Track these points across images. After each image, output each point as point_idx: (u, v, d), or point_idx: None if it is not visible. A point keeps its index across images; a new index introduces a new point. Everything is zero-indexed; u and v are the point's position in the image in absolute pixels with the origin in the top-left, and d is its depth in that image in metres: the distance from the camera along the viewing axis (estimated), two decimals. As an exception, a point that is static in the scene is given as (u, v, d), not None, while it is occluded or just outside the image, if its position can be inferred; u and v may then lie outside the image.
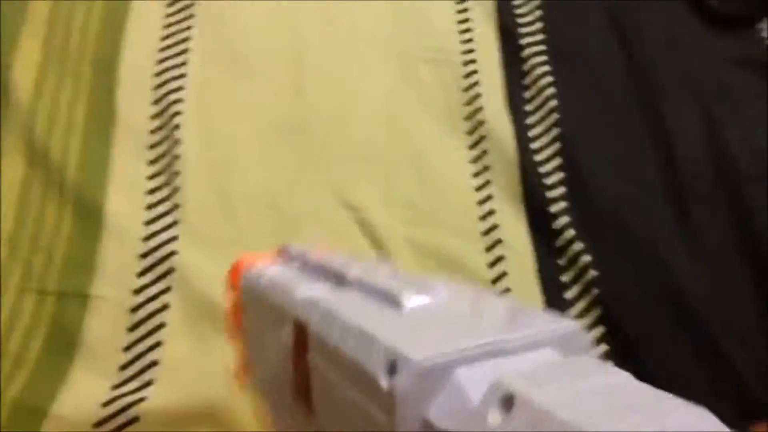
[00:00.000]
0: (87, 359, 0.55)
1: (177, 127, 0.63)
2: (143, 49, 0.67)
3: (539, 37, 0.72)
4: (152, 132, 0.64)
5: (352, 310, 0.25)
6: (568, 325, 0.21)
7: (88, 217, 0.59)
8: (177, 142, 0.62)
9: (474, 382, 0.19)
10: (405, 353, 0.20)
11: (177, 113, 0.64)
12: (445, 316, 0.23)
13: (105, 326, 0.56)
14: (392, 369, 0.20)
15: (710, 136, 0.68)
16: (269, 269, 0.35)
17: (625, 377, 0.18)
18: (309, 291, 0.29)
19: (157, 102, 0.65)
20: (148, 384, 0.54)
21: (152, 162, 0.62)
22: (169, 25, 0.68)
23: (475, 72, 0.70)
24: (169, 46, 0.67)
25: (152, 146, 0.63)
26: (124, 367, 0.55)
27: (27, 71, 0.64)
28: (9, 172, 0.60)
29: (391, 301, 0.24)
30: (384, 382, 0.20)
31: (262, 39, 0.69)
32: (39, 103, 0.63)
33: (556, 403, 0.16)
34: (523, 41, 0.72)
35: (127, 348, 0.55)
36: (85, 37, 0.66)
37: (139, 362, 0.55)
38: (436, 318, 0.23)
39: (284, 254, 0.36)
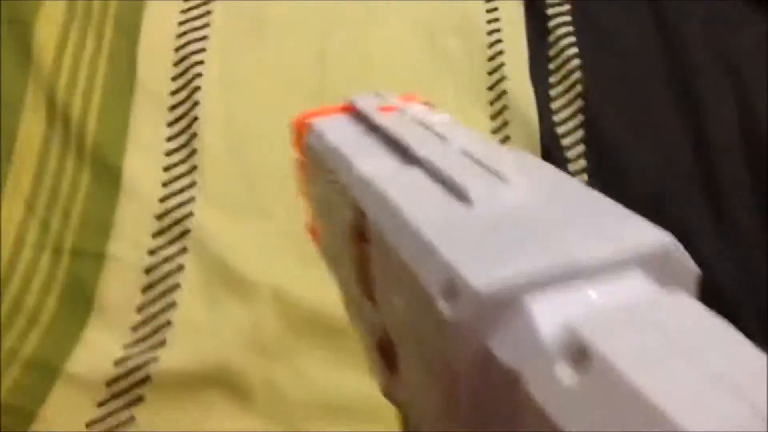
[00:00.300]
0: (101, 318, 0.55)
1: (197, 89, 0.63)
2: (166, 10, 0.67)
3: (566, 7, 0.71)
4: (172, 93, 0.63)
5: (413, 200, 0.22)
6: (663, 239, 0.17)
7: (106, 176, 0.59)
8: (196, 104, 0.62)
9: (545, 313, 0.16)
10: (465, 276, 0.17)
11: (198, 75, 0.63)
12: (518, 218, 0.20)
13: (119, 286, 0.56)
14: (451, 291, 0.18)
15: (744, 113, 0.66)
16: (332, 130, 0.31)
17: (737, 336, 0.15)
18: (368, 166, 0.25)
19: (177, 64, 0.64)
20: (160, 344, 0.54)
21: (171, 123, 0.62)
22: (193, -14, 0.68)
23: (499, 41, 0.68)
24: (191, 8, 0.67)
25: (172, 108, 0.63)
26: (137, 327, 0.55)
27: (50, 29, 0.64)
28: (30, 128, 0.60)
29: (458, 193, 0.21)
30: (441, 307, 0.18)
31: (287, 4, 0.68)
32: (61, 61, 0.63)
33: (644, 372, 0.14)
34: (550, 11, 0.70)
35: (141, 308, 0.55)
36: (107, -4, 0.66)
37: (152, 323, 0.55)
38: (506, 219, 0.20)
39: (352, 110, 0.33)
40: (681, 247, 0.17)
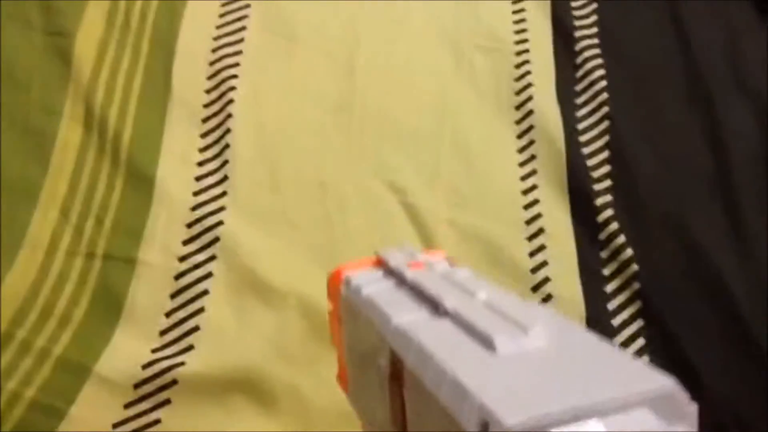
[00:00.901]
0: (130, 322, 0.56)
1: (230, 102, 0.64)
2: (201, 25, 0.68)
3: (593, 30, 0.72)
4: (205, 106, 0.65)
5: (446, 349, 0.25)
6: (666, 383, 0.20)
7: (140, 184, 0.61)
8: (229, 116, 0.64)
9: None
10: (498, 416, 0.20)
11: (231, 88, 0.65)
12: (539, 364, 0.23)
13: (149, 291, 0.57)
14: (485, 430, 0.20)
15: (765, 134, 0.66)
16: (367, 285, 0.34)
17: None
18: (404, 318, 0.28)
19: (212, 77, 0.66)
20: (187, 349, 0.55)
21: (204, 135, 0.64)
22: (228, 3, 0.70)
23: (527, 62, 0.69)
24: (226, 24, 0.69)
25: (205, 120, 0.64)
26: (165, 331, 0.56)
27: (90, 42, 0.66)
28: (68, 136, 0.62)
29: (485, 342, 0.24)
30: None
31: (318, 19, 0.70)
32: (99, 72, 0.64)
33: None
34: (577, 34, 0.72)
35: (170, 313, 0.56)
36: (145, 12, 0.68)
37: (180, 327, 0.56)
38: (529, 365, 0.23)
39: (383, 264, 0.36)
40: (681, 389, 0.19)
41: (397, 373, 0.27)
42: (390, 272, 0.34)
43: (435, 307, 0.28)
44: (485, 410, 0.20)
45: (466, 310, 0.26)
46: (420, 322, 0.28)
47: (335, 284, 0.37)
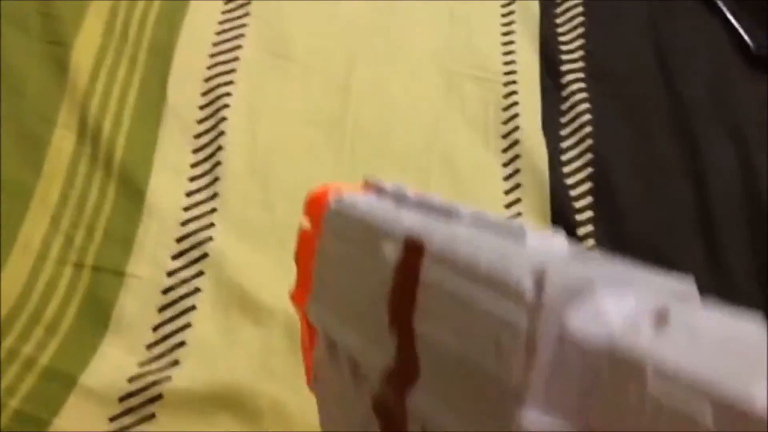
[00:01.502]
0: (117, 334, 0.57)
1: (223, 119, 0.65)
2: (198, 41, 0.69)
3: (580, 64, 0.74)
4: (199, 122, 0.66)
5: (474, 237, 0.25)
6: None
7: (131, 197, 0.61)
8: (222, 133, 0.64)
9: (614, 301, 0.20)
10: (553, 265, 0.21)
11: (225, 106, 0.66)
12: (571, 255, 0.24)
13: (137, 304, 0.58)
14: (539, 279, 0.21)
15: (745, 172, 0.69)
16: (363, 201, 0.34)
17: None
18: (416, 219, 0.28)
19: (206, 93, 0.67)
20: (174, 364, 0.56)
21: (196, 150, 0.64)
22: (225, 21, 0.71)
23: (515, 92, 0.71)
24: (223, 41, 0.70)
25: (197, 135, 0.65)
26: (151, 345, 0.56)
27: (87, 52, 0.66)
28: (61, 144, 0.62)
29: (515, 235, 0.24)
30: (531, 292, 0.21)
31: (314, 40, 0.71)
32: (95, 82, 0.65)
33: (715, 324, 0.18)
34: (564, 67, 0.74)
35: (157, 327, 0.57)
36: (144, 24, 0.69)
37: (166, 342, 0.56)
38: (562, 255, 0.24)
39: (373, 188, 0.35)
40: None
41: (410, 256, 0.27)
42: (383, 193, 0.34)
43: (448, 215, 0.28)
44: (538, 263, 0.21)
45: (483, 215, 0.27)
46: (435, 222, 0.28)
47: (319, 203, 0.37)
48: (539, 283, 0.21)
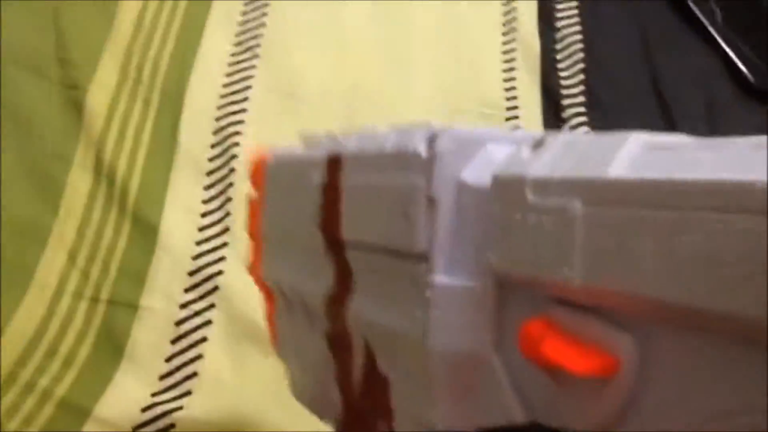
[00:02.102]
0: (131, 366, 0.58)
1: (234, 156, 0.67)
2: (209, 82, 0.72)
3: (580, 99, 0.76)
4: (210, 159, 0.68)
5: (383, 134, 0.28)
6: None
7: (144, 233, 0.63)
8: (233, 170, 0.66)
9: (501, 149, 0.22)
10: (444, 129, 0.22)
11: (235, 144, 0.68)
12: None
13: (150, 336, 0.59)
14: (431, 140, 0.22)
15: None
16: (297, 147, 0.37)
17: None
18: (338, 143, 0.31)
19: (217, 132, 0.69)
20: (186, 394, 0.57)
21: (208, 187, 0.67)
22: (234, 63, 0.73)
23: (518, 127, 0.73)
24: (233, 82, 0.72)
25: (209, 173, 0.67)
26: (164, 376, 0.58)
27: (102, 95, 0.69)
28: (77, 183, 0.64)
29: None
30: (424, 151, 0.22)
31: (323, 80, 0.74)
32: (110, 123, 0.67)
33: (584, 138, 0.19)
34: (565, 101, 0.76)
35: (170, 358, 0.59)
36: (156, 67, 0.71)
37: (179, 372, 0.58)
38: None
39: (308, 139, 0.38)
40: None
41: (332, 170, 0.29)
42: (317, 140, 0.37)
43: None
44: (431, 130, 0.23)
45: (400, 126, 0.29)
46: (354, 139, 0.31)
47: (261, 164, 0.40)
48: (431, 143, 0.22)
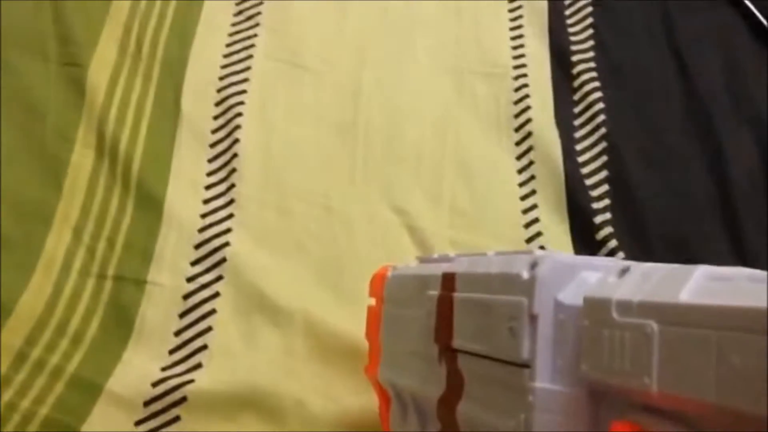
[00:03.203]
0: (140, 341, 0.58)
1: (237, 127, 0.66)
2: (210, 53, 0.71)
3: (590, 54, 0.74)
4: (213, 131, 0.67)
5: (492, 259, 0.32)
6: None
7: (149, 208, 0.63)
8: (236, 141, 0.66)
9: (593, 274, 0.26)
10: (545, 255, 0.27)
11: (238, 114, 0.67)
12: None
13: (159, 311, 0.59)
14: (533, 266, 0.27)
15: (764, 156, 0.68)
16: (414, 264, 0.42)
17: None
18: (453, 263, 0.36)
19: (219, 103, 0.68)
20: (196, 367, 0.56)
21: (212, 159, 0.66)
22: (235, 33, 0.72)
23: (525, 86, 0.71)
24: (234, 52, 0.71)
25: (213, 144, 0.66)
26: (174, 350, 0.57)
27: (102, 72, 0.68)
28: (80, 161, 0.64)
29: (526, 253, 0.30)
30: (526, 274, 0.27)
31: (324, 47, 0.72)
32: (111, 100, 0.67)
33: (662, 268, 0.23)
34: (574, 58, 0.73)
35: (178, 332, 0.58)
36: (156, 41, 0.70)
37: (188, 346, 0.57)
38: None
39: (423, 259, 0.42)
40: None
41: (447, 286, 0.34)
42: (432, 259, 0.41)
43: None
44: (533, 256, 0.27)
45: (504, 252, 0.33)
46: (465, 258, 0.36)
47: (380, 277, 0.46)
48: (533, 268, 0.26)
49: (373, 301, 0.47)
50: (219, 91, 0.69)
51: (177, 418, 0.54)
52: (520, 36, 0.75)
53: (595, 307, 0.24)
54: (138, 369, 0.56)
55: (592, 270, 0.26)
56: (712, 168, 0.67)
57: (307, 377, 0.56)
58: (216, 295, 0.59)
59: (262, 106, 0.68)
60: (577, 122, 0.70)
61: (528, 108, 0.70)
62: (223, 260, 0.60)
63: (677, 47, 0.75)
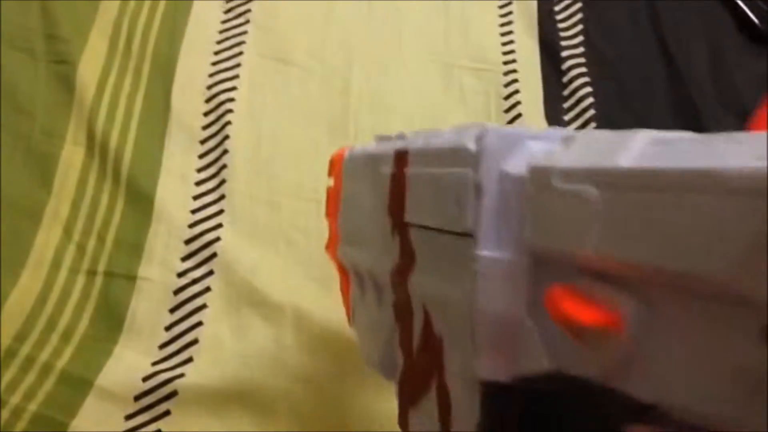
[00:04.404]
0: (131, 336, 0.58)
1: (227, 123, 0.66)
2: (200, 50, 0.71)
3: (580, 50, 0.74)
4: (204, 128, 0.67)
5: (446, 135, 0.32)
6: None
7: (139, 204, 0.62)
8: (226, 137, 0.66)
9: (539, 144, 0.25)
10: (491, 127, 0.27)
11: (228, 111, 0.67)
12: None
13: (149, 306, 0.59)
14: (480, 138, 0.26)
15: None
16: (370, 144, 0.42)
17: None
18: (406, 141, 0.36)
19: (209, 100, 0.68)
20: (187, 361, 0.56)
21: (202, 155, 0.66)
22: (225, 30, 0.72)
23: (515, 81, 0.72)
24: (224, 49, 0.71)
25: (203, 141, 0.66)
26: (164, 345, 0.57)
27: (92, 69, 0.68)
28: (70, 158, 0.64)
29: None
30: (473, 146, 0.27)
31: (313, 44, 0.72)
32: (101, 96, 0.67)
33: (607, 134, 0.23)
34: (564, 53, 0.74)
35: (169, 327, 0.58)
36: (146, 38, 0.70)
37: (179, 341, 0.57)
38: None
39: (380, 139, 0.42)
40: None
41: (399, 164, 0.35)
42: (388, 138, 0.41)
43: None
44: (480, 129, 0.27)
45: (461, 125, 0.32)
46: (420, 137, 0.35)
47: (338, 159, 0.46)
48: (480, 140, 0.26)
49: (332, 182, 0.48)
50: (209, 87, 0.69)
51: (167, 413, 0.54)
52: (510, 32, 0.75)
53: (538, 176, 0.24)
54: (128, 364, 0.56)
55: (538, 140, 0.26)
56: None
57: (298, 370, 0.56)
58: (206, 290, 0.59)
59: (252, 103, 0.68)
60: (567, 117, 0.70)
61: (518, 103, 0.70)
62: (214, 255, 0.60)
63: (663, 37, 0.75)
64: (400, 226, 0.34)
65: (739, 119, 0.70)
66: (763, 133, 0.17)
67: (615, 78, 0.73)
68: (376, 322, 0.39)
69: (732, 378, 0.17)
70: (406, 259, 0.34)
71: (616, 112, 0.70)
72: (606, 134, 0.23)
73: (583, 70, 0.72)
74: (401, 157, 0.35)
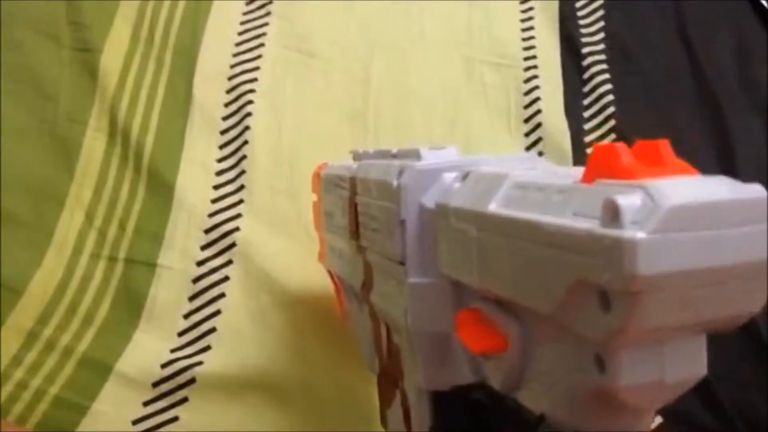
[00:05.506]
0: (150, 323, 0.58)
1: (248, 114, 0.67)
2: (221, 41, 0.71)
3: (601, 46, 0.74)
4: (224, 118, 0.67)
5: (382, 165, 0.34)
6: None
7: (160, 192, 0.63)
8: (247, 128, 0.66)
9: (453, 177, 0.29)
10: (410, 164, 0.30)
11: (249, 102, 0.67)
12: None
13: (169, 294, 0.59)
14: (400, 174, 0.30)
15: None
16: (340, 163, 0.45)
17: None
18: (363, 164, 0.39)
19: (230, 91, 0.69)
20: (205, 349, 0.57)
21: (223, 145, 0.66)
22: (247, 21, 0.73)
23: (536, 77, 0.72)
24: (246, 40, 0.71)
25: (223, 131, 0.67)
26: (183, 332, 0.58)
27: (115, 57, 0.68)
28: (93, 145, 0.64)
29: (412, 155, 0.33)
30: (395, 182, 0.30)
31: (334, 35, 0.73)
32: (124, 84, 0.67)
33: (487, 174, 0.26)
34: (585, 50, 0.74)
35: (188, 315, 0.59)
36: (169, 27, 0.71)
37: (198, 329, 0.58)
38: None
39: (354, 155, 0.45)
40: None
41: (353, 189, 0.38)
42: (356, 156, 0.44)
43: (385, 155, 0.38)
44: (402, 165, 0.30)
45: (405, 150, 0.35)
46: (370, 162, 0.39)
47: (316, 176, 0.50)
48: (400, 175, 0.30)
49: (314, 197, 0.51)
50: (230, 78, 0.69)
51: (185, 399, 0.55)
52: (531, 28, 0.75)
53: (441, 212, 0.28)
54: (147, 350, 0.57)
55: (451, 172, 0.29)
56: (721, 152, 0.68)
57: (316, 358, 0.57)
58: (225, 279, 0.60)
59: (272, 94, 0.68)
60: (586, 113, 0.70)
61: (538, 99, 0.70)
62: (233, 245, 0.61)
63: (685, 32, 0.75)
64: (359, 248, 0.38)
65: (759, 112, 0.70)
66: (591, 185, 0.20)
67: (638, 73, 0.73)
68: (362, 327, 0.43)
69: (572, 394, 0.21)
70: (368, 277, 0.38)
71: (637, 109, 0.70)
72: (489, 175, 0.26)
73: (604, 66, 0.72)
74: (353, 184, 0.38)
